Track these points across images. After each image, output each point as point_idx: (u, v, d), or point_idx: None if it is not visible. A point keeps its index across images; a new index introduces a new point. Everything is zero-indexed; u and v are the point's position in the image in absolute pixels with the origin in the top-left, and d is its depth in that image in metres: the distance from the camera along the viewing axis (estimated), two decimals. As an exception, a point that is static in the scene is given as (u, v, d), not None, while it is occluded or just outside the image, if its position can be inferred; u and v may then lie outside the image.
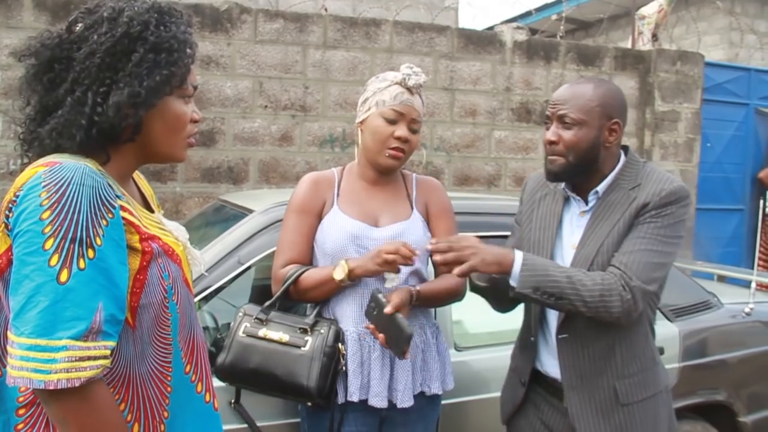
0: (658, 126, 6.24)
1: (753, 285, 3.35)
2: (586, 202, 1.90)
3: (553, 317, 1.91)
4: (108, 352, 1.13)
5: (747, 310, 3.14)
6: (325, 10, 5.50)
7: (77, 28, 1.27)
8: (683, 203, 1.81)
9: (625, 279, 1.72)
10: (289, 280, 1.94)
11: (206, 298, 2.21)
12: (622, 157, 1.92)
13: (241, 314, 1.97)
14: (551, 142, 1.85)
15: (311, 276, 1.95)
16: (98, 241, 1.13)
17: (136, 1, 1.30)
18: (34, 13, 4.54)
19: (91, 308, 1.11)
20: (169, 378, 1.30)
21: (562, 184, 1.94)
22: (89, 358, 1.10)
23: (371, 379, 1.90)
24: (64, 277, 1.09)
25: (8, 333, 1.11)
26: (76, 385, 1.09)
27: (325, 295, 1.97)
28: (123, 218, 1.21)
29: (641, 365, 1.88)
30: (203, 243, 2.43)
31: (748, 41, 8.76)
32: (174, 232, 1.39)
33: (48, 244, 1.10)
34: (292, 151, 5.15)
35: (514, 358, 2.11)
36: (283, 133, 5.11)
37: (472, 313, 2.51)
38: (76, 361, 1.08)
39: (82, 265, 1.11)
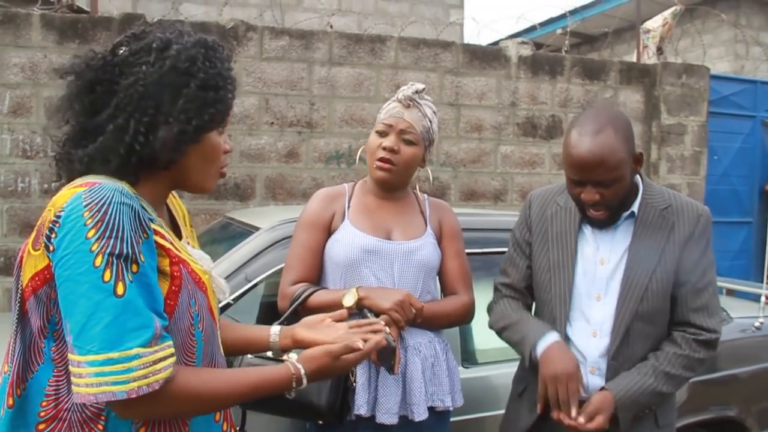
0: (664, 139, 6.23)
1: (763, 299, 3.33)
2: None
3: (594, 344, 1.89)
4: (173, 350, 1.17)
5: (757, 324, 3.12)
6: (331, 27, 5.52)
7: (122, 51, 1.28)
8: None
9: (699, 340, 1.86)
10: (298, 301, 1.94)
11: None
12: (639, 178, 1.94)
13: None
14: (595, 203, 1.80)
15: (320, 298, 1.94)
16: (141, 258, 1.16)
17: (183, 34, 1.31)
18: (42, 32, 4.58)
19: (150, 316, 1.14)
20: None
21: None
22: (161, 360, 1.14)
23: (380, 396, 1.89)
24: (120, 290, 1.12)
25: (70, 355, 1.13)
26: (156, 388, 1.13)
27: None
28: (155, 241, 1.23)
29: None
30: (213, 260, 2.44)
31: (754, 53, 8.78)
32: (199, 261, 1.38)
33: (98, 261, 1.12)
34: (299, 167, 5.16)
35: (521, 381, 2.08)
36: (289, 150, 5.13)
37: (481, 328, 2.50)
38: (150, 365, 1.12)
39: (131, 278, 1.14)
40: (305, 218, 2.06)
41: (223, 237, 2.93)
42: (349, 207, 2.06)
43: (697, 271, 1.87)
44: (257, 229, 2.52)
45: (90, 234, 1.13)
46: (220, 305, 2.17)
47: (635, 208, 1.89)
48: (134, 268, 1.15)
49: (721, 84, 6.79)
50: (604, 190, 1.78)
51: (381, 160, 2.00)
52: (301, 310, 1.95)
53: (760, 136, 7.07)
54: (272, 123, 5.07)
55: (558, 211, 1.99)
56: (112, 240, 1.13)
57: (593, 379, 1.89)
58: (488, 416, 2.37)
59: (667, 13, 6.54)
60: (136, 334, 1.12)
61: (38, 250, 1.19)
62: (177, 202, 1.52)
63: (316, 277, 2.03)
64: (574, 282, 1.91)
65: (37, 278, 1.19)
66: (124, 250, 1.14)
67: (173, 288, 1.25)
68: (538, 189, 2.13)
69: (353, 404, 1.88)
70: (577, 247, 1.92)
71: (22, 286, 1.22)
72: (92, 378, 1.10)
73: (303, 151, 5.17)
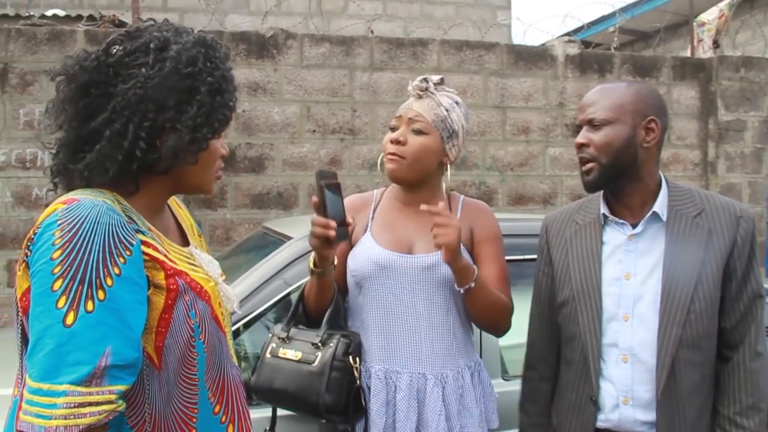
0: (722, 136, 5.95)
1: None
2: (632, 226, 1.72)
3: (624, 371, 1.69)
4: (114, 396, 1.08)
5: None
6: (372, 32, 5.47)
7: (115, 50, 1.23)
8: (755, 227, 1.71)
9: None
10: (299, 294, 1.92)
11: (246, 325, 2.24)
12: (662, 178, 1.75)
13: (270, 335, 1.94)
14: (581, 145, 1.70)
15: (307, 285, 1.91)
16: (109, 282, 1.09)
17: (181, 32, 1.26)
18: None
19: (96, 353, 1.06)
20: (194, 420, 1.25)
21: (600, 210, 1.76)
22: (90, 404, 1.05)
23: (396, 421, 1.80)
24: (70, 319, 1.06)
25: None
26: None
27: (320, 294, 1.85)
28: (147, 254, 1.17)
29: None
30: (243, 271, 2.44)
31: (819, 44, 8.34)
32: (205, 267, 1.34)
33: (56, 285, 1.07)
34: (342, 174, 5.10)
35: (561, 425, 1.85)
36: (332, 157, 5.09)
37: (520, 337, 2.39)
38: (75, 407, 1.04)
39: (90, 307, 1.07)
40: None
41: (257, 246, 2.92)
42: (373, 218, 1.97)
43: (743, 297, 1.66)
44: (290, 238, 2.49)
45: (55, 255, 1.08)
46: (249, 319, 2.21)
47: (658, 208, 1.69)
48: (100, 294, 1.08)
49: (783, 77, 6.48)
50: (593, 134, 1.68)
51: (389, 153, 1.88)
52: (305, 304, 1.92)
53: (827, 131, 6.71)
54: (314, 131, 5.04)
55: (578, 231, 1.80)
56: (76, 263, 1.08)
57: (626, 410, 1.67)
58: None
59: (723, 5, 6.27)
60: (71, 369, 1.04)
61: (20, 270, 1.16)
62: (183, 212, 1.48)
63: (338, 285, 1.97)
64: (602, 308, 1.71)
65: (24, 298, 1.16)
66: (88, 275, 1.08)
67: (169, 302, 1.19)
68: (553, 212, 1.96)
69: (368, 429, 1.80)
70: (601, 267, 1.73)
71: (18, 306, 1.19)
72: (25, 404, 1.05)
73: (346, 158, 5.12)
